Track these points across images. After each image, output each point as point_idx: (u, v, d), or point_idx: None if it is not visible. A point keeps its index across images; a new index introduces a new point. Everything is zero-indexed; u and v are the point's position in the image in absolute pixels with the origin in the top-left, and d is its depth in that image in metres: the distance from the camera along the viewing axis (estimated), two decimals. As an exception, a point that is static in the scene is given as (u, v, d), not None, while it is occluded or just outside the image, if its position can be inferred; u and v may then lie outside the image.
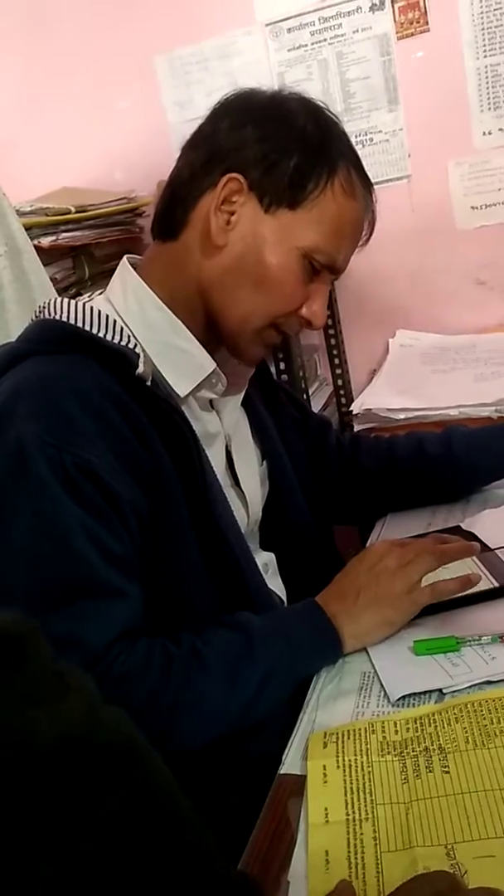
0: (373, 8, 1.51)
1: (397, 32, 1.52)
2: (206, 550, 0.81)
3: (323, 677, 0.77)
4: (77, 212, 1.45)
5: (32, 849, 0.31)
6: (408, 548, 0.84)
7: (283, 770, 0.67)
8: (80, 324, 0.80)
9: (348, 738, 0.66)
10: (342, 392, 1.79)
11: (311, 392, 1.61)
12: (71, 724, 0.34)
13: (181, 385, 0.85)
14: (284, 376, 1.46)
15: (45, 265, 1.28)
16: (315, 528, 1.05)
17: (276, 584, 0.97)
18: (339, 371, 1.78)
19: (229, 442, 0.95)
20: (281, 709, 0.75)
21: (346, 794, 0.61)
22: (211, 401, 0.91)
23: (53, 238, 1.39)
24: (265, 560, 0.98)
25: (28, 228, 1.27)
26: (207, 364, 0.86)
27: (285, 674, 0.75)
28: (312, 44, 1.56)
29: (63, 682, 0.35)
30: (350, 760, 0.64)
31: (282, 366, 1.47)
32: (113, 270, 0.92)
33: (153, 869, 0.34)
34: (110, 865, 0.33)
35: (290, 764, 0.67)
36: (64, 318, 0.81)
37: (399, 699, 0.71)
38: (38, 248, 1.30)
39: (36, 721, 0.33)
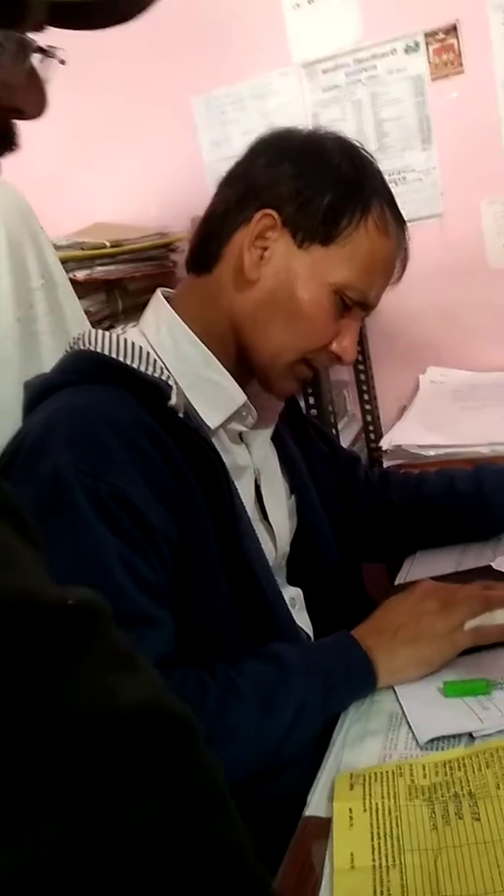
0: (407, 50, 1.53)
1: (432, 74, 1.54)
2: (234, 582, 0.81)
3: (350, 717, 0.76)
4: (112, 246, 1.48)
5: (99, 810, 0.32)
6: (453, 590, 0.83)
7: (308, 812, 0.65)
8: (114, 355, 0.81)
9: (375, 780, 0.65)
10: (371, 427, 1.78)
11: (340, 427, 1.61)
12: (148, 693, 0.35)
13: (212, 417, 0.85)
14: (314, 411, 1.46)
15: (79, 298, 1.30)
16: (343, 565, 1.04)
17: (302, 620, 0.96)
18: (368, 406, 1.78)
19: (258, 475, 0.95)
20: (307, 746, 0.74)
21: (372, 839, 0.59)
22: (241, 434, 0.92)
23: (88, 272, 1.41)
24: (292, 595, 0.97)
25: (64, 262, 1.30)
26: (238, 397, 0.86)
27: (319, 706, 0.74)
28: (347, 84, 1.58)
29: (134, 657, 0.36)
30: (377, 804, 0.62)
31: (311, 400, 1.47)
32: (145, 304, 0.93)
33: (195, 850, 0.34)
34: (164, 840, 0.33)
35: (315, 805, 0.65)
36: (98, 350, 0.82)
37: (428, 742, 0.69)
38: (73, 282, 1.32)
39: (117, 686, 0.34)
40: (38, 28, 0.43)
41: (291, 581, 1.01)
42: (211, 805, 0.36)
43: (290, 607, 0.90)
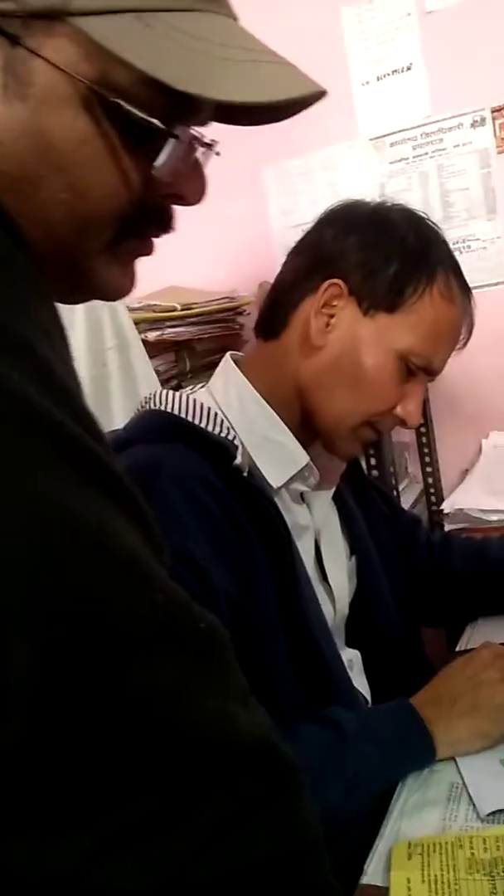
0: (474, 124, 1.57)
1: (497, 147, 1.58)
2: (293, 642, 0.81)
3: (409, 785, 0.75)
4: (182, 309, 1.53)
5: (212, 839, 0.33)
6: None
7: (364, 880, 0.64)
8: (183, 414, 0.84)
9: (434, 851, 0.63)
10: (432, 490, 1.77)
11: (400, 489, 1.61)
12: (264, 732, 0.36)
13: (275, 477, 0.87)
14: (375, 472, 1.47)
15: (150, 358, 1.35)
16: (402, 628, 1.03)
17: (360, 683, 0.96)
18: (429, 469, 1.77)
19: (319, 536, 0.96)
20: (363, 815, 0.73)
21: (430, 912, 0.58)
22: (302, 494, 0.93)
23: (159, 333, 1.47)
24: (350, 657, 0.96)
25: (137, 323, 1.35)
26: (301, 458, 0.88)
27: (376, 776, 0.73)
28: (414, 157, 1.63)
29: (248, 693, 0.37)
30: (436, 875, 0.61)
31: (372, 461, 1.48)
32: (212, 365, 0.96)
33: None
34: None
35: (372, 874, 0.64)
36: (168, 409, 0.85)
37: (489, 814, 0.67)
38: (144, 342, 1.37)
39: (236, 716, 0.34)
40: (205, 123, 0.48)
41: (350, 643, 1.00)
42: (309, 853, 0.37)
43: (347, 669, 0.90)
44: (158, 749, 0.32)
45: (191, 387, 0.97)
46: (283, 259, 0.96)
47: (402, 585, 1.07)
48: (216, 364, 0.96)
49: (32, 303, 0.37)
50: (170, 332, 1.50)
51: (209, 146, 0.48)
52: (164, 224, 0.51)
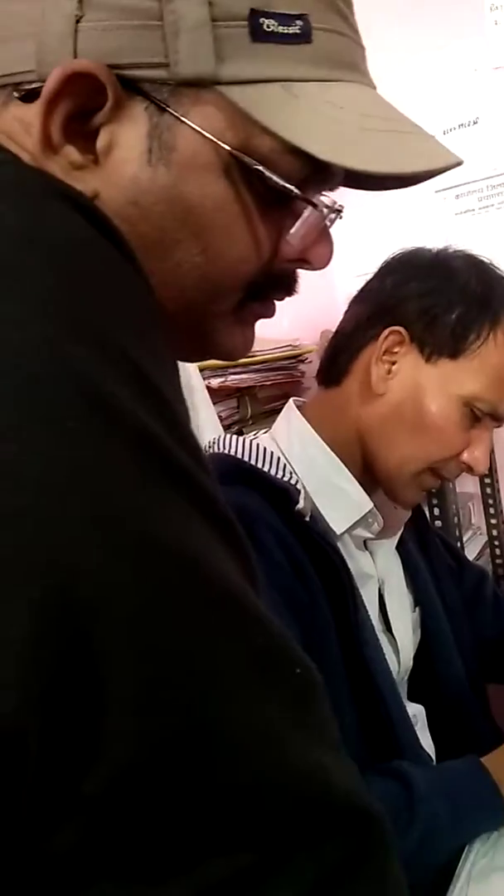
0: (540, 175, 1.57)
1: None
2: (357, 693, 0.80)
3: (476, 849, 0.72)
4: (214, 359, 1.55)
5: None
6: None
7: None
8: (246, 458, 0.84)
9: (503, 921, 0.60)
10: (497, 542, 1.73)
11: (465, 540, 1.58)
12: (357, 786, 0.35)
13: (338, 523, 0.86)
14: (438, 522, 1.44)
15: (213, 403, 1.37)
16: (467, 684, 1.00)
17: (424, 739, 0.93)
18: (494, 521, 1.73)
19: (382, 585, 0.94)
20: (429, 877, 0.70)
21: None
22: (365, 542, 0.92)
23: (222, 379, 1.48)
24: (414, 712, 0.94)
25: (202, 369, 1.37)
26: (364, 504, 0.87)
27: (445, 835, 0.70)
28: (480, 209, 1.63)
29: (338, 744, 0.36)
30: None
31: (436, 511, 1.45)
32: (274, 411, 0.97)
33: None
34: None
35: (436, 943, 0.61)
36: (232, 453, 0.85)
37: None
38: (207, 388, 1.39)
39: (330, 766, 0.34)
40: (335, 188, 0.50)
41: (412, 698, 0.97)
42: None
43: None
44: (255, 796, 0.31)
45: (254, 432, 0.98)
46: (345, 308, 0.97)
47: (468, 640, 1.04)
48: (277, 411, 0.96)
49: (161, 346, 0.38)
50: (232, 379, 1.51)
51: (339, 212, 0.49)
52: (288, 288, 0.52)
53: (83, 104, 0.42)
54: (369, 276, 0.96)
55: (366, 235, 1.74)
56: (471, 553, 1.61)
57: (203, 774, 0.31)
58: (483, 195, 1.62)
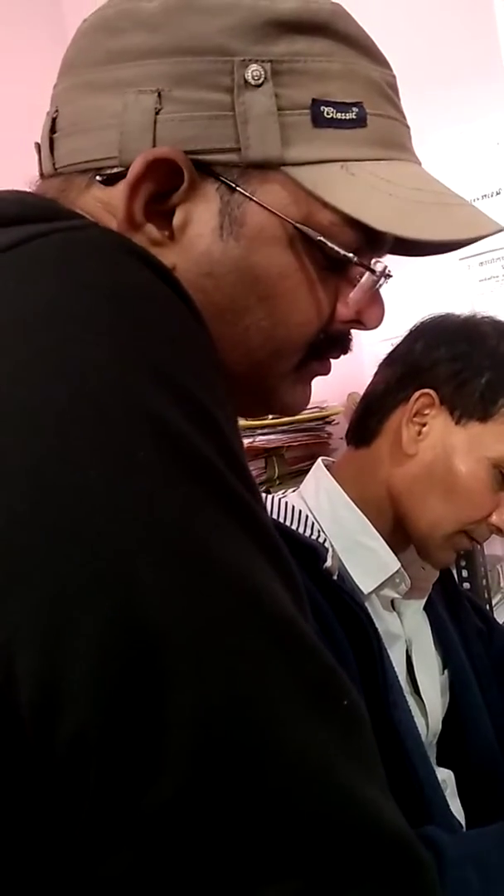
0: None
1: None
2: (385, 756, 0.78)
3: (507, 921, 0.69)
4: (273, 418, 1.57)
5: None
6: None
7: None
8: (274, 516, 0.86)
9: None
10: (527, 607, 1.70)
11: (494, 603, 1.56)
12: (406, 826, 0.35)
13: (366, 582, 0.86)
14: (467, 584, 1.43)
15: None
16: (498, 749, 0.98)
17: (454, 805, 0.90)
18: (524, 585, 1.71)
19: (410, 646, 0.94)
20: None
21: None
22: (393, 602, 0.92)
23: (251, 440, 1.51)
24: (443, 777, 0.92)
25: (230, 430, 1.40)
26: (392, 564, 0.87)
27: None
28: (503, 276, 1.67)
29: (386, 782, 0.37)
30: None
31: (464, 573, 1.44)
32: (301, 472, 0.98)
33: None
34: None
35: None
36: (262, 512, 0.87)
37: None
38: (237, 448, 1.41)
39: (379, 801, 0.34)
40: (384, 255, 0.54)
41: (442, 763, 0.96)
42: None
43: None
44: (307, 823, 0.32)
45: (281, 491, 0.99)
46: (371, 371, 0.99)
47: (498, 704, 1.02)
48: (304, 471, 0.98)
49: (222, 391, 0.41)
50: (261, 440, 1.54)
51: (389, 276, 0.53)
52: (344, 347, 0.57)
53: (162, 186, 0.47)
54: (395, 341, 0.98)
55: (392, 301, 1.78)
56: (500, 616, 1.58)
57: (255, 798, 0.31)
58: (507, 262, 1.66)
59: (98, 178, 0.48)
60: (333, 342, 0.55)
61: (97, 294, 0.37)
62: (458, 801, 0.93)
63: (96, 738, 0.30)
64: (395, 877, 0.33)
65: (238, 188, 0.47)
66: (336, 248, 0.49)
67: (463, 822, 0.91)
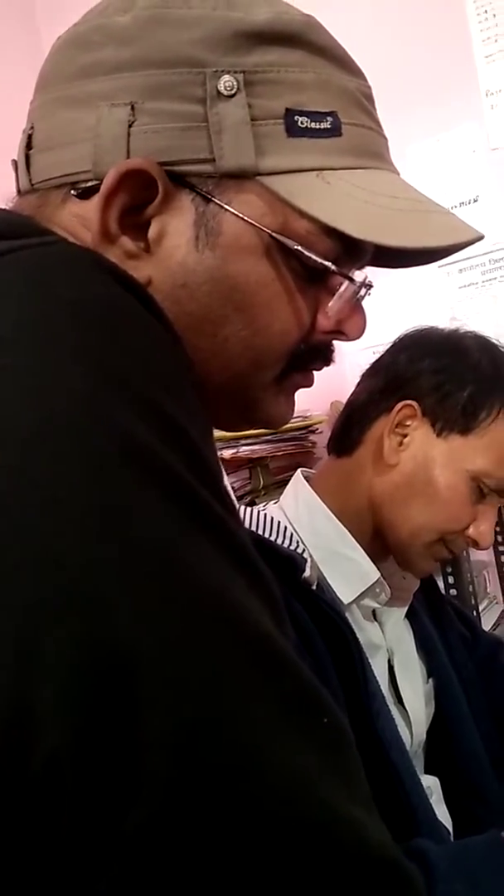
0: (541, 249, 1.62)
1: None
2: (369, 767, 0.78)
3: (492, 930, 0.69)
4: (257, 427, 1.58)
5: None
6: None
7: None
8: (252, 528, 0.85)
9: None
10: (514, 612, 1.71)
11: (481, 609, 1.56)
12: (388, 841, 0.35)
13: (345, 592, 0.86)
14: (453, 591, 1.44)
15: (226, 474, 1.38)
16: (484, 756, 0.97)
17: (441, 812, 0.90)
18: (511, 590, 1.71)
19: (392, 656, 0.94)
20: None
21: None
22: (374, 611, 0.92)
23: (234, 451, 1.51)
24: (429, 784, 0.92)
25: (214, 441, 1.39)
26: (372, 573, 0.87)
27: None
28: (483, 282, 1.67)
29: (373, 803, 0.36)
30: None
31: (450, 580, 1.44)
32: (286, 481, 0.98)
33: None
34: None
35: None
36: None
37: None
38: (220, 459, 1.41)
39: (364, 821, 0.34)
40: (363, 266, 0.54)
41: (429, 770, 0.95)
42: None
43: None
44: (289, 842, 0.31)
45: (264, 503, 0.99)
46: (354, 380, 0.99)
47: (483, 711, 1.02)
48: (289, 481, 0.98)
49: (195, 406, 0.41)
50: (244, 450, 1.53)
51: (370, 286, 0.53)
52: (326, 358, 0.56)
53: (136, 198, 0.47)
54: (377, 350, 0.98)
55: (373, 310, 1.79)
56: (487, 622, 1.59)
57: (235, 820, 0.31)
58: (485, 269, 1.67)
59: (73, 192, 0.48)
60: (315, 353, 0.54)
61: (66, 310, 0.37)
62: (445, 807, 0.93)
63: (70, 762, 0.29)
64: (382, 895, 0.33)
65: (213, 199, 0.47)
66: (313, 256, 0.48)
67: (450, 828, 0.90)
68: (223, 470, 0.41)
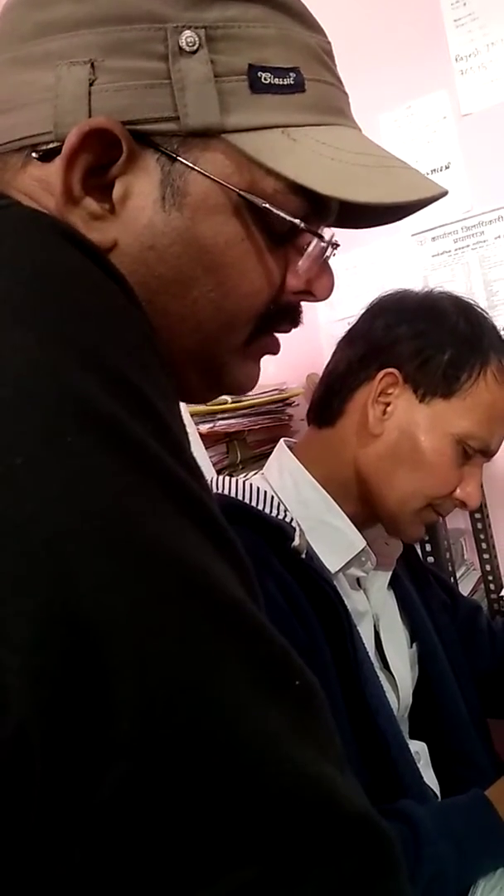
0: (512, 217, 1.62)
1: (537, 236, 1.61)
2: (358, 732, 0.79)
3: (482, 885, 0.71)
4: (233, 402, 1.57)
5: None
6: None
7: None
8: (240, 497, 0.85)
9: None
10: (491, 577, 1.73)
11: (458, 576, 1.58)
12: (367, 805, 0.34)
13: (332, 561, 0.87)
14: (430, 558, 1.45)
15: (204, 449, 1.38)
16: (468, 718, 0.99)
17: (428, 776, 0.92)
18: (486, 556, 1.74)
19: (377, 622, 0.94)
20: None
21: None
22: (358, 580, 0.92)
23: (211, 425, 1.50)
24: (416, 749, 0.93)
25: (191, 416, 1.39)
26: (358, 542, 0.88)
27: (452, 877, 0.69)
28: (456, 250, 1.67)
29: (346, 765, 0.36)
30: None
31: (427, 547, 1.46)
32: (263, 455, 0.98)
33: None
34: None
35: None
36: (226, 493, 0.86)
37: None
38: (199, 434, 1.40)
39: (335, 779, 0.34)
40: (330, 225, 0.53)
41: (414, 735, 0.97)
42: None
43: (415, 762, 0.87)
44: (259, 804, 0.31)
45: (244, 475, 0.99)
46: (329, 351, 0.99)
47: (466, 674, 1.04)
48: (267, 454, 0.97)
49: (160, 374, 0.40)
50: (221, 424, 1.53)
51: (337, 245, 0.52)
52: (294, 319, 0.56)
53: (100, 158, 0.45)
54: (351, 321, 0.98)
55: (347, 280, 1.78)
56: (465, 589, 1.61)
57: (206, 784, 0.31)
58: (458, 237, 1.67)
59: (34, 154, 0.46)
60: (283, 314, 0.54)
61: (20, 274, 0.36)
62: (432, 771, 0.94)
63: (38, 734, 0.29)
64: (355, 852, 0.33)
65: (179, 158, 0.46)
66: (282, 214, 0.48)
67: (438, 791, 0.92)
68: (189, 437, 0.40)
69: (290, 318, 0.55)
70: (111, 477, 0.32)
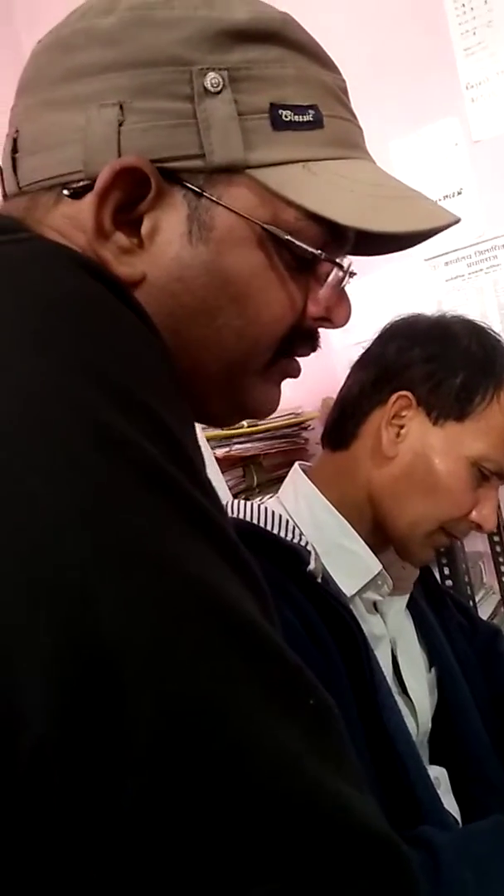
0: (526, 240, 1.63)
1: (551, 260, 1.62)
2: (377, 758, 0.78)
3: (506, 914, 0.69)
4: (249, 426, 1.58)
5: None
6: None
7: None
8: (255, 521, 0.86)
9: None
10: (510, 601, 1.72)
11: (477, 600, 1.57)
12: (376, 815, 0.34)
13: (348, 585, 0.86)
14: (449, 582, 1.44)
15: (220, 473, 1.39)
16: (489, 744, 0.98)
17: (448, 802, 0.90)
18: (505, 579, 1.73)
19: (394, 646, 0.94)
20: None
21: None
22: (375, 603, 0.92)
23: (227, 449, 1.51)
24: (436, 774, 0.92)
25: (207, 440, 1.40)
26: (374, 565, 0.88)
27: None
28: (469, 274, 1.68)
29: (363, 785, 0.36)
30: None
31: (446, 571, 1.45)
32: (279, 479, 0.98)
33: None
34: None
35: None
36: (241, 517, 0.87)
37: None
38: (215, 458, 1.41)
39: (351, 797, 0.34)
40: (346, 254, 0.56)
41: (434, 760, 0.96)
42: None
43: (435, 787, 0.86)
44: (275, 822, 0.31)
45: (260, 498, 0.99)
46: (343, 375, 0.99)
47: (485, 699, 1.03)
48: (283, 478, 0.98)
49: (176, 398, 0.41)
50: (237, 448, 1.54)
51: (353, 274, 0.55)
52: (313, 344, 0.58)
53: (129, 195, 0.48)
54: (365, 345, 0.99)
55: (362, 305, 1.79)
56: (484, 612, 1.60)
57: (221, 802, 0.31)
58: (471, 261, 1.68)
59: (65, 192, 0.49)
60: (303, 339, 0.56)
61: (39, 301, 0.38)
62: (452, 797, 0.93)
63: (54, 752, 0.30)
64: (375, 871, 0.33)
65: (205, 193, 0.48)
66: (303, 245, 0.50)
67: (458, 817, 0.91)
68: (205, 461, 0.41)
69: (310, 343, 0.58)
70: (128, 498, 0.33)
